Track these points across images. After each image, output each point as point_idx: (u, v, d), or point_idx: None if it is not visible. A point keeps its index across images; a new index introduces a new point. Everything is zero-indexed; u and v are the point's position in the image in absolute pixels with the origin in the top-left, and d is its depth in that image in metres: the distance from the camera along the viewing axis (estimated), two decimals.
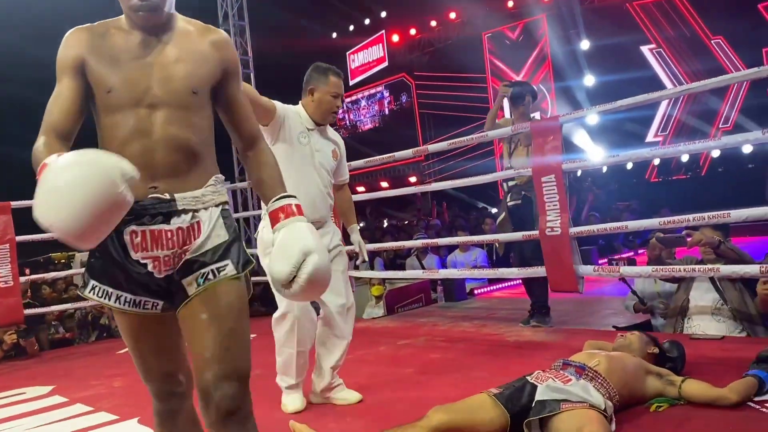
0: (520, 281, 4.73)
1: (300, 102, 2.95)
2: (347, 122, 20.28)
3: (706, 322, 3.54)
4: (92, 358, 5.06)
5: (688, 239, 3.59)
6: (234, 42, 9.90)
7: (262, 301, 6.40)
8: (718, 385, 2.35)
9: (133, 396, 3.59)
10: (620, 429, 2.23)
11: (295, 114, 2.88)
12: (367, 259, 3.17)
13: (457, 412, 2.19)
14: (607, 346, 2.80)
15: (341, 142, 3.11)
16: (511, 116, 4.69)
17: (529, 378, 2.28)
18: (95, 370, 4.46)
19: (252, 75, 10.24)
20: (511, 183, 4.59)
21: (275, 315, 2.91)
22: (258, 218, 9.62)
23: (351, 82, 18.61)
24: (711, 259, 3.55)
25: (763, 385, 2.36)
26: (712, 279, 3.54)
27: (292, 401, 2.95)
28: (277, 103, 2.82)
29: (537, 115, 13.30)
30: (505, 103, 4.76)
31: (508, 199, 4.62)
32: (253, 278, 6.09)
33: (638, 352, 2.60)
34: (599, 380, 2.25)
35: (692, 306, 3.61)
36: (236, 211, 7.89)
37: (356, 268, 4.86)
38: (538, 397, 2.16)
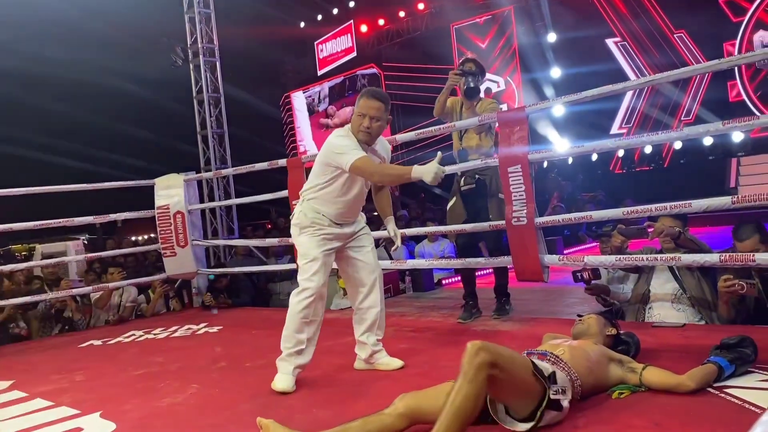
0: (491, 270, 4.74)
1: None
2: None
3: (666, 310, 3.61)
4: (54, 351, 4.95)
5: (650, 230, 3.66)
6: (199, 30, 9.74)
7: (228, 293, 6.33)
8: (678, 372, 2.40)
9: (96, 390, 3.52)
10: (582, 416, 2.26)
11: (352, 137, 3.18)
12: (400, 244, 3.46)
13: (423, 398, 2.21)
14: (565, 337, 2.83)
15: (388, 152, 3.43)
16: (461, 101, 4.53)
17: None
18: (57, 364, 4.36)
19: (218, 64, 10.09)
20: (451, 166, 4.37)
21: (297, 296, 3.13)
22: (223, 209, 9.51)
23: (319, 73, 18.48)
24: (670, 249, 3.62)
25: (723, 372, 2.41)
26: (671, 268, 3.61)
27: (283, 379, 3.06)
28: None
29: (504, 107, 13.42)
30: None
31: (462, 183, 4.50)
32: (219, 270, 6.04)
33: (597, 336, 2.65)
34: (561, 365, 2.28)
35: (653, 295, 3.68)
36: (202, 201, 7.76)
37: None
38: None
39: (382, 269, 3.56)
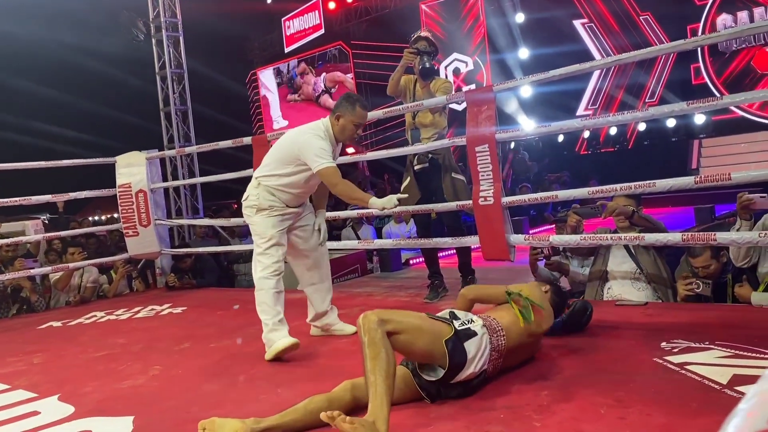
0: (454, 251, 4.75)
1: (328, 118, 3.38)
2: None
3: (626, 287, 3.67)
4: (11, 333, 4.82)
5: (604, 209, 3.70)
6: (161, 3, 9.47)
7: (192, 274, 6.23)
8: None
9: (54, 372, 3.44)
10: (547, 394, 2.28)
11: (329, 137, 3.33)
12: (322, 243, 3.59)
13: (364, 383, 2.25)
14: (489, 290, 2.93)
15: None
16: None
17: None
18: (14, 346, 4.25)
19: (181, 39, 9.84)
20: (418, 144, 4.43)
21: (258, 273, 3.29)
22: (187, 188, 9.34)
23: (286, 50, 18.18)
24: (625, 227, 3.68)
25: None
26: (627, 248, 3.66)
27: (284, 338, 3.18)
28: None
29: (473, 86, 13.41)
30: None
31: (415, 162, 4.47)
32: (184, 250, 5.93)
33: (537, 297, 2.63)
34: (489, 320, 2.39)
35: (611, 274, 3.73)
36: (165, 179, 7.62)
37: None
38: None
39: (349, 250, 3.65)
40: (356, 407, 2.23)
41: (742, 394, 2.09)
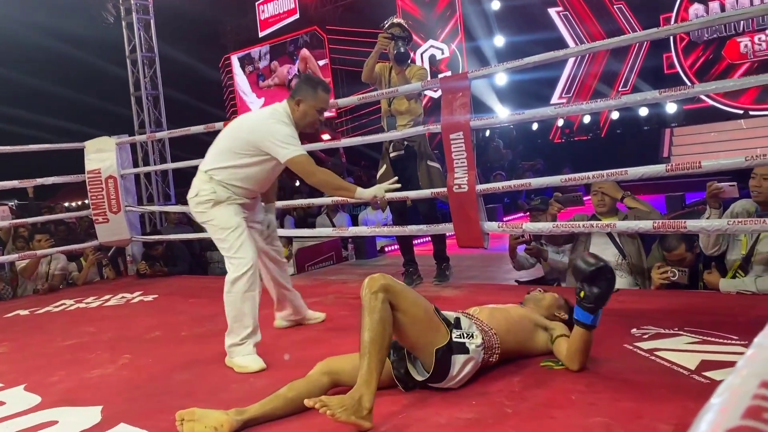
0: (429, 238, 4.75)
1: (287, 103, 3.03)
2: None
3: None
4: None
5: (586, 199, 3.73)
6: None
7: (164, 261, 6.15)
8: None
9: (21, 362, 3.37)
10: (519, 380, 2.29)
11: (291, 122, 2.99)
12: (271, 241, 3.35)
13: (341, 360, 2.28)
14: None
15: None
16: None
17: None
18: None
19: (152, 22, 9.65)
20: (393, 132, 4.39)
21: (237, 273, 2.88)
22: (158, 174, 9.20)
23: (260, 34, 17.95)
24: (604, 212, 3.72)
25: (592, 327, 2.21)
26: (611, 234, 3.69)
27: (254, 360, 2.81)
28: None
29: (449, 73, 13.37)
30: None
31: (391, 150, 4.45)
32: (155, 237, 5.83)
33: (545, 309, 2.59)
34: (473, 320, 2.33)
35: None
36: (136, 165, 7.49)
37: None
38: None
39: (326, 237, 3.55)
40: (335, 387, 2.23)
41: (710, 379, 2.12)
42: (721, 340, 2.48)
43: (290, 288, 3.45)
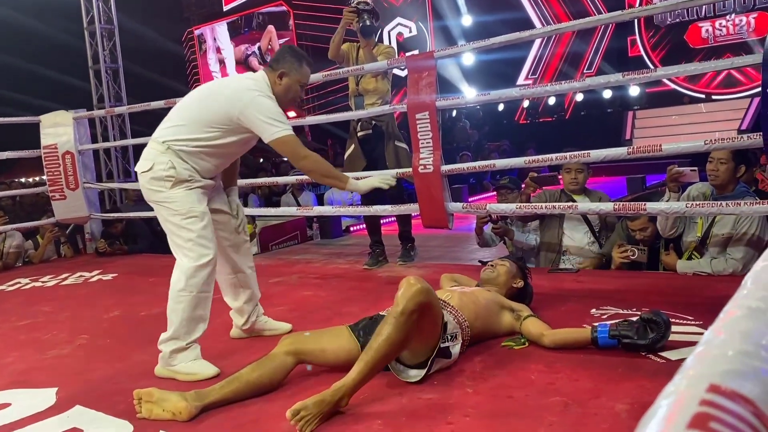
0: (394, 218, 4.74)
1: (265, 74, 2.64)
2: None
3: (583, 258, 3.77)
4: None
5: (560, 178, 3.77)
6: None
7: (124, 239, 6.02)
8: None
9: None
10: (480, 360, 2.31)
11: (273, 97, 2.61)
12: (241, 229, 2.86)
13: (306, 337, 2.25)
14: (462, 279, 2.86)
15: None
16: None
17: (381, 312, 2.31)
18: None
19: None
20: (360, 112, 4.32)
21: (195, 263, 2.49)
22: (118, 150, 8.98)
23: (224, 8, 17.57)
24: (577, 190, 3.77)
25: (596, 344, 2.26)
26: (584, 216, 3.75)
27: (204, 365, 2.49)
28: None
29: (416, 52, 13.29)
30: None
31: (358, 129, 4.40)
32: (114, 214, 5.68)
33: (502, 286, 2.68)
34: (448, 308, 2.31)
35: (567, 242, 3.80)
36: (94, 141, 7.28)
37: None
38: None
39: (290, 216, 3.34)
40: (301, 367, 2.22)
41: (665, 359, 2.17)
42: (677, 321, 2.53)
43: (255, 291, 2.91)
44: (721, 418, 0.40)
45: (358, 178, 2.87)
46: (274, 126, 2.49)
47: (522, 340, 2.43)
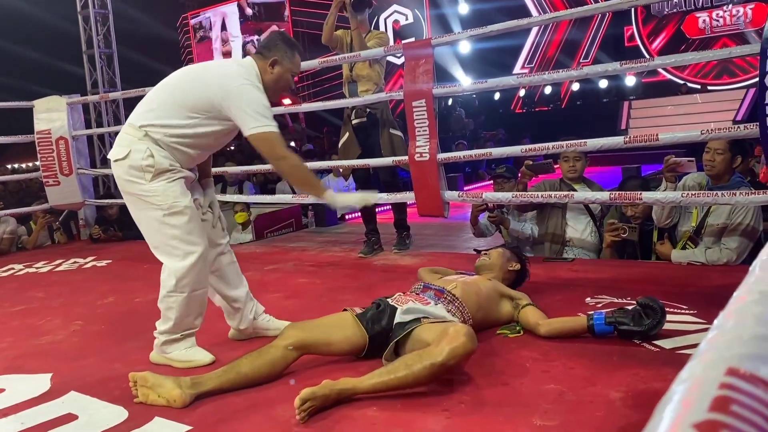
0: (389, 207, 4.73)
1: (254, 61, 2.47)
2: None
3: (585, 250, 3.77)
4: None
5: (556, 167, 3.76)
6: None
7: (118, 225, 6.00)
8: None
9: None
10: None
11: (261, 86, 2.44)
12: (217, 224, 2.66)
13: (312, 328, 2.20)
14: (442, 271, 2.82)
15: None
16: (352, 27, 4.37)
17: (389, 300, 2.29)
18: None
19: None
20: (355, 99, 4.29)
21: (186, 263, 2.36)
22: (112, 136, 8.92)
23: None
24: (575, 179, 3.76)
25: (593, 332, 2.27)
26: (586, 206, 3.74)
27: (200, 352, 2.46)
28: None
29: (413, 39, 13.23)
30: None
31: (352, 117, 4.37)
32: (108, 200, 5.64)
33: (499, 271, 2.68)
34: (456, 304, 2.30)
35: (570, 232, 3.80)
36: (88, 126, 7.24)
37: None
38: (397, 319, 2.18)
39: (285, 203, 3.26)
40: (304, 358, 2.19)
41: (659, 347, 2.18)
42: (671, 310, 2.54)
43: (245, 289, 2.69)
44: (741, 401, 0.40)
45: (349, 174, 2.77)
46: (257, 120, 2.30)
47: (517, 328, 2.44)
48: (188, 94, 2.38)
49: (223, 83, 2.34)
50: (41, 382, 2.36)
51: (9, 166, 15.35)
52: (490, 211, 3.99)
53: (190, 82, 2.44)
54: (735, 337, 0.45)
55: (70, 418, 2.03)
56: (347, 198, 2.50)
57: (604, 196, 3.43)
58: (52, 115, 5.86)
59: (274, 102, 2.55)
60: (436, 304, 2.23)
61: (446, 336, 1.92)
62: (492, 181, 4.57)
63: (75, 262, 5.01)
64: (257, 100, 2.34)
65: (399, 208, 4.50)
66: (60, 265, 4.96)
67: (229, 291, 2.62)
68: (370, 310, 2.26)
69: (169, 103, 2.39)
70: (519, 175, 4.13)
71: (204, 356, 2.44)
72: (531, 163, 4.00)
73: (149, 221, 2.37)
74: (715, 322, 0.51)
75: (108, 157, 2.46)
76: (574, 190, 3.77)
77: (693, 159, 3.30)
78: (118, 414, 2.01)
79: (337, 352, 2.21)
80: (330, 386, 1.86)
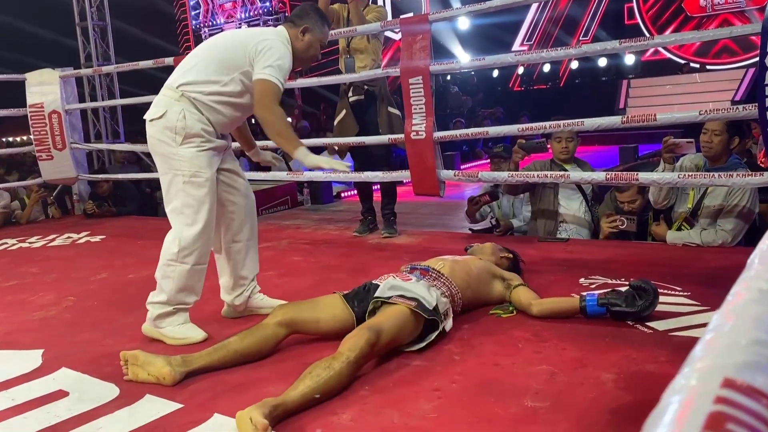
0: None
1: (285, 30, 2.57)
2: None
3: (579, 227, 3.76)
4: None
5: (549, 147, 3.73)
6: None
7: (113, 201, 5.96)
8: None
9: None
10: (468, 328, 2.31)
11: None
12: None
13: (300, 308, 2.22)
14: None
15: None
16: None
17: (374, 281, 2.30)
18: None
19: None
20: (351, 75, 4.23)
21: (190, 234, 2.39)
22: (107, 110, 8.85)
23: None
24: (567, 159, 3.74)
25: (585, 313, 2.27)
26: (578, 185, 3.72)
27: (193, 329, 2.46)
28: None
29: (411, 14, 13.09)
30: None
31: (350, 94, 4.31)
32: (102, 176, 5.60)
33: (490, 256, 2.68)
34: (442, 279, 2.30)
35: (563, 211, 3.78)
36: (82, 100, 7.14)
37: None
38: (376, 294, 2.19)
39: (279, 181, 3.25)
40: (294, 337, 2.20)
41: (652, 329, 2.18)
42: (665, 291, 2.54)
43: (255, 261, 2.75)
44: (738, 418, 0.37)
45: (346, 152, 2.72)
46: (272, 69, 2.38)
47: (510, 309, 2.44)
48: (227, 51, 2.48)
49: (260, 38, 2.45)
50: (33, 358, 2.35)
51: (3, 140, 15.22)
52: (487, 204, 4.00)
53: (230, 38, 2.58)
54: (732, 342, 0.43)
55: (61, 394, 2.02)
56: (317, 159, 2.47)
57: (600, 176, 3.41)
58: (44, 88, 5.78)
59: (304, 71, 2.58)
60: (418, 281, 2.22)
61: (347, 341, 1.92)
62: (489, 160, 4.54)
63: (69, 238, 4.98)
64: (283, 56, 2.44)
65: (388, 192, 4.41)
66: (54, 240, 4.94)
67: (242, 271, 2.67)
68: (357, 290, 2.30)
69: (208, 60, 2.48)
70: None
71: (197, 333, 2.44)
72: (524, 141, 3.96)
73: (171, 182, 2.43)
74: (713, 322, 0.48)
75: (144, 117, 2.52)
76: (566, 170, 3.75)
77: (692, 140, 3.27)
78: (110, 391, 2.01)
79: (325, 331, 2.21)
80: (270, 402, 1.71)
